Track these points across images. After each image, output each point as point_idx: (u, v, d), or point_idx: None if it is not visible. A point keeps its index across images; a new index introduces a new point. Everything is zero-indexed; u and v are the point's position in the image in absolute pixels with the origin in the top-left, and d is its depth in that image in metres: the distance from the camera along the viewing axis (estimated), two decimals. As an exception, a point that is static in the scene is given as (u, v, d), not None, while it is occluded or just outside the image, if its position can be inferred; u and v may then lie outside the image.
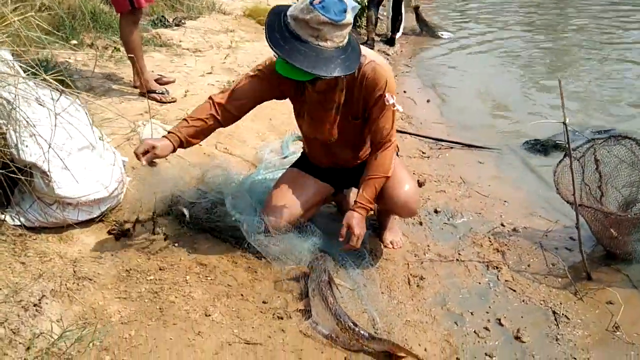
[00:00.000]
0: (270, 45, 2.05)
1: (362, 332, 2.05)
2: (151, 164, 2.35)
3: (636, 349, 2.23)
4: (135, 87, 4.24)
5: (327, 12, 2.00)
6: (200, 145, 3.56)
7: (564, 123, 2.49)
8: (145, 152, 2.31)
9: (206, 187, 2.97)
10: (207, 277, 2.37)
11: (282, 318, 2.19)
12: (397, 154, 2.73)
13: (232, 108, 2.41)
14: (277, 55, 2.09)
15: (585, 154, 2.88)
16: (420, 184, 3.50)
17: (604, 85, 5.99)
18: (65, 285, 2.19)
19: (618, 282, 2.67)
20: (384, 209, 2.74)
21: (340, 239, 2.40)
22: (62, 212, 2.52)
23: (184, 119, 2.42)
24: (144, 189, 2.99)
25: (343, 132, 2.49)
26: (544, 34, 8.84)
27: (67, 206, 2.53)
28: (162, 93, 4.12)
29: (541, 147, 4.26)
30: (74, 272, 2.28)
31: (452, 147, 4.25)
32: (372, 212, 2.61)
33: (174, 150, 2.38)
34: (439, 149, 4.22)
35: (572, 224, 3.16)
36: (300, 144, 3.72)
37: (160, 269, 2.37)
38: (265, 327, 2.13)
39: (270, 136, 3.86)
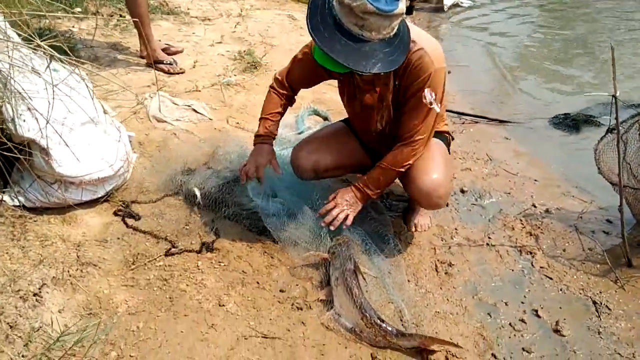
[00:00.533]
0: (308, 30, 1.83)
1: (389, 328, 1.87)
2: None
3: (687, 344, 2.04)
4: (141, 57, 4.02)
5: (377, 0, 1.76)
6: (211, 119, 3.39)
7: (614, 96, 2.24)
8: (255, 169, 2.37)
9: (218, 165, 2.77)
10: (220, 262, 2.20)
11: (301, 309, 2.02)
12: (448, 146, 2.51)
13: (295, 93, 2.48)
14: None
15: (630, 129, 2.63)
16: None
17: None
18: (68, 272, 2.04)
19: (661, 269, 2.46)
20: (410, 196, 2.52)
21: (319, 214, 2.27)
22: (65, 191, 2.35)
23: (265, 119, 2.43)
24: (152, 167, 2.82)
25: (386, 122, 2.30)
26: (571, 4, 8.40)
27: (70, 185, 2.35)
28: (170, 63, 3.90)
29: (571, 121, 4.00)
30: (78, 257, 2.13)
31: (476, 122, 4.00)
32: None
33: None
34: (463, 123, 3.98)
35: (607, 204, 2.96)
36: (316, 118, 3.52)
37: (170, 255, 2.20)
38: (283, 319, 1.96)
39: (285, 110, 3.64)
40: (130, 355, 1.74)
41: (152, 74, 3.67)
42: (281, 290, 2.10)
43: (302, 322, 1.96)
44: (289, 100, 2.47)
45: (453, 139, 2.61)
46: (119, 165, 2.45)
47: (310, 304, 2.04)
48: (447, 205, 2.87)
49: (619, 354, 2.00)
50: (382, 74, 2.04)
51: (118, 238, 2.27)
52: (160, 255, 2.19)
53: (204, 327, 1.88)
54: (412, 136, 2.17)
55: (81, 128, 2.37)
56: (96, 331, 1.76)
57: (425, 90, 2.07)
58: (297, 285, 2.14)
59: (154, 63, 3.82)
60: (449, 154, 2.51)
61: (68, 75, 2.22)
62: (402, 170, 2.23)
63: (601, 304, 2.24)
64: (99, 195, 2.46)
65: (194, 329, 1.87)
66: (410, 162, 2.22)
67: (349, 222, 2.23)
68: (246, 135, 3.22)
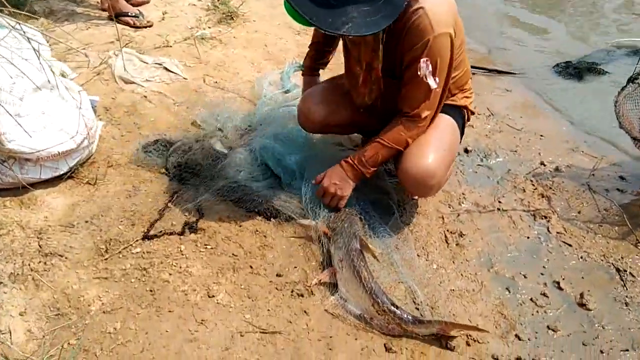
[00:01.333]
0: None
1: (404, 315, 1.66)
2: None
3: None
4: (102, 9, 3.59)
5: None
6: (185, 79, 3.04)
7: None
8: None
9: (198, 133, 2.46)
10: (206, 245, 1.93)
11: (302, 295, 1.78)
12: (464, 123, 2.18)
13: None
14: None
15: (652, 79, 2.39)
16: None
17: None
18: (29, 265, 1.76)
19: (682, 228, 2.29)
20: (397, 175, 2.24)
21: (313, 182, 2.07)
22: (20, 170, 2.03)
23: (308, 58, 2.41)
24: (122, 136, 2.49)
25: (384, 94, 1.98)
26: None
27: (26, 163, 2.03)
28: (135, 16, 3.47)
29: (574, 70, 3.74)
30: (40, 247, 1.84)
31: (474, 73, 3.71)
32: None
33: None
34: (460, 75, 3.69)
35: (619, 160, 2.78)
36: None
37: (148, 238, 1.93)
38: (283, 309, 1.73)
39: (267, 66, 3.29)
40: (107, 363, 1.49)
41: (115, 28, 3.26)
42: (278, 275, 1.85)
43: (305, 312, 1.73)
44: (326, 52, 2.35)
45: (473, 113, 2.24)
46: (82, 137, 2.12)
47: (312, 290, 1.80)
48: (452, 167, 2.63)
49: (651, 327, 1.83)
50: (371, 38, 1.75)
51: (86, 221, 1.97)
52: (137, 240, 1.91)
53: (192, 324, 1.63)
54: (419, 112, 1.87)
55: (33, 95, 2.03)
56: (63, 343, 1.50)
57: (423, 59, 1.75)
58: (295, 267, 1.89)
59: (116, 16, 3.40)
60: (461, 133, 2.16)
61: (9, 32, 1.85)
62: (405, 149, 1.95)
63: (625, 271, 2.07)
64: (62, 172, 2.14)
65: (180, 327, 1.62)
66: (414, 140, 1.94)
67: (340, 209, 2.00)
68: (227, 96, 2.89)
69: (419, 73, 1.77)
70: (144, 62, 3.07)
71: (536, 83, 3.68)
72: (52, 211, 2.01)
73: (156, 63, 3.08)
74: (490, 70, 3.74)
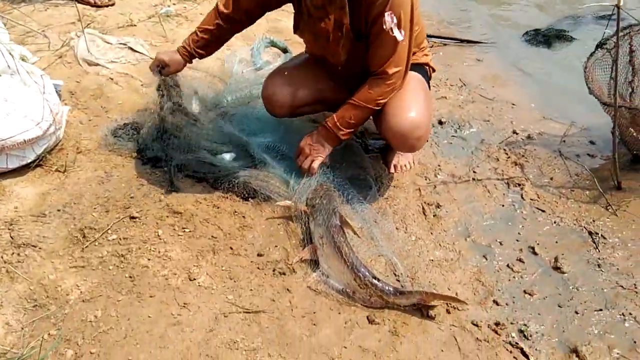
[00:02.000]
0: None
1: (386, 287, 1.67)
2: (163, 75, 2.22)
3: (685, 268, 1.97)
4: (60, -11, 3.42)
5: None
6: (152, 59, 2.94)
7: (617, 6, 1.99)
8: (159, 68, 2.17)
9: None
10: (184, 229, 1.91)
11: (284, 274, 1.78)
12: (428, 79, 2.25)
13: (238, 16, 2.08)
14: None
15: (620, 42, 2.42)
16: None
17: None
18: (2, 257, 1.72)
19: (650, 190, 2.37)
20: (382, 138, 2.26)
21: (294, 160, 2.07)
22: (-16, 160, 1.95)
23: (194, 32, 2.14)
24: (89, 120, 2.42)
25: (348, 55, 1.98)
26: None
27: (-10, 152, 1.96)
28: (96, -5, 3.34)
29: (543, 38, 3.78)
30: (12, 238, 1.79)
31: (445, 44, 3.72)
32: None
33: (185, 64, 2.22)
34: (431, 46, 3.67)
35: (588, 125, 2.84)
36: (274, 50, 3.14)
37: (123, 224, 1.89)
38: (266, 288, 1.73)
39: (237, 43, 3.21)
40: (90, 352, 1.47)
41: (75, 8, 3.12)
42: (259, 255, 1.85)
43: (287, 289, 1.73)
44: (229, 22, 2.08)
45: (434, 70, 2.34)
46: (48, 123, 2.05)
47: (294, 267, 1.81)
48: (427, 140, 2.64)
49: (621, 286, 1.90)
50: None
51: (59, 210, 1.92)
52: (114, 225, 1.87)
53: (174, 308, 1.62)
54: (385, 69, 1.90)
55: (-7, 81, 1.94)
56: (42, 334, 1.47)
57: (387, 13, 1.78)
58: (276, 246, 1.89)
59: (76, -5, 3.26)
60: (429, 89, 2.25)
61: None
62: (377, 108, 1.98)
63: (597, 234, 2.13)
64: (29, 161, 2.07)
65: (163, 311, 1.60)
66: (386, 98, 1.96)
67: (314, 168, 2.01)
68: (197, 75, 2.82)
69: (384, 27, 1.80)
70: (108, 43, 2.96)
71: (506, 52, 3.71)
72: (22, 201, 1.95)
73: (120, 43, 2.98)
74: (460, 41, 3.75)
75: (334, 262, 1.75)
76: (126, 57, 2.90)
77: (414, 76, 2.09)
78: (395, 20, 1.80)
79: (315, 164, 2.02)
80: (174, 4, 3.53)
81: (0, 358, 1.36)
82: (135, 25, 3.21)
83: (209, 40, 2.12)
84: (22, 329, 1.52)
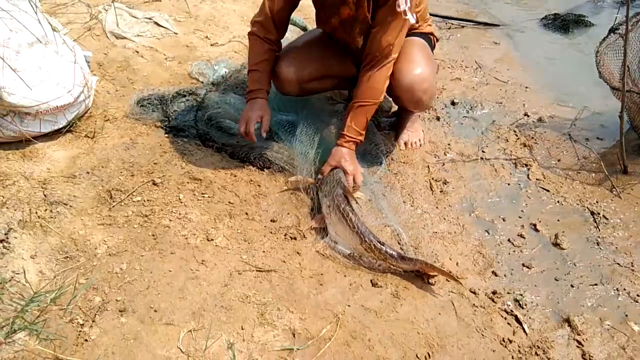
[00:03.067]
0: None
1: (390, 252, 1.78)
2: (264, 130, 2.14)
3: (683, 250, 2.03)
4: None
5: None
6: (176, 34, 3.06)
7: (628, -8, 2.03)
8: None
9: (191, 86, 2.52)
10: (203, 194, 2.03)
11: (295, 238, 1.90)
12: (432, 47, 2.36)
13: (281, 33, 2.16)
14: None
15: (633, 29, 2.46)
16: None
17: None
18: (36, 213, 1.85)
19: (656, 174, 2.42)
20: (393, 98, 2.37)
21: (320, 176, 2.09)
22: (20, 123, 2.09)
23: (253, 70, 2.14)
24: (116, 91, 2.55)
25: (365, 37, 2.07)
26: None
27: (25, 116, 2.10)
28: (123, -30, 3.44)
29: (561, 22, 3.79)
30: (45, 196, 1.93)
31: (463, 27, 3.75)
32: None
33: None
34: (449, 29, 3.72)
35: (600, 109, 2.87)
36: (294, 29, 3.22)
37: (147, 187, 2.02)
38: (277, 251, 1.85)
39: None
40: (116, 300, 1.61)
41: (104, -18, 3.24)
42: (272, 220, 1.97)
43: (297, 252, 1.85)
44: (275, 44, 2.15)
45: (438, 40, 2.45)
46: (78, 91, 2.18)
47: (304, 233, 1.93)
48: (439, 119, 2.72)
49: (618, 263, 1.98)
50: None
51: (88, 172, 2.06)
52: (138, 188, 2.00)
53: (193, 264, 1.75)
54: (387, 56, 1.99)
55: (29, 50, 2.07)
56: (76, 278, 1.62)
57: None
58: (288, 214, 2.01)
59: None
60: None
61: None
62: (382, 98, 2.10)
63: (598, 214, 2.20)
64: (61, 126, 2.21)
65: (182, 267, 1.74)
66: (385, 87, 2.08)
67: (359, 181, 2.12)
68: (217, 51, 2.92)
69: (398, 9, 1.86)
70: (134, 17, 3.08)
71: (523, 36, 3.73)
72: (54, 163, 2.09)
73: (146, 18, 3.09)
74: (478, 23, 3.77)
75: (341, 230, 1.86)
76: (151, 32, 3.02)
77: (417, 41, 2.22)
78: (409, 4, 1.86)
79: (359, 175, 2.11)
80: (197, -19, 3.62)
81: (34, 300, 1.50)
82: (160, 1, 3.32)
83: (270, 69, 2.17)
84: (54, 277, 1.67)
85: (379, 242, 1.80)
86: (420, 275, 1.82)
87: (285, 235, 1.91)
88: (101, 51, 2.80)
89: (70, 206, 1.91)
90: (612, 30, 2.42)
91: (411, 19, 1.90)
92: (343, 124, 2.10)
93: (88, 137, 2.24)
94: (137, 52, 2.86)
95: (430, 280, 1.81)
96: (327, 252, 1.87)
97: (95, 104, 2.41)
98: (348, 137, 2.08)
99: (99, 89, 2.52)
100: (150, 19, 3.09)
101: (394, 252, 1.79)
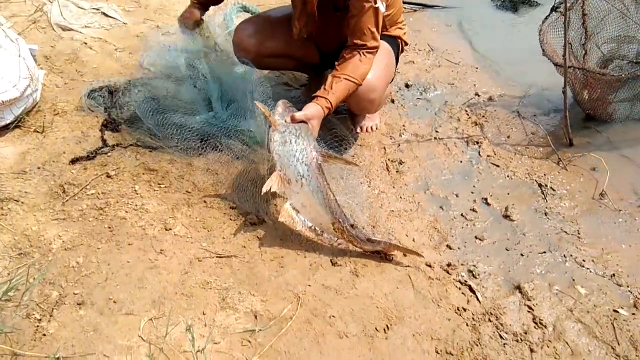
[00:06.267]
0: None
1: (360, 235, 1.81)
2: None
3: (624, 215, 2.15)
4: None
5: None
6: (125, 24, 3.00)
7: (564, -30, 2.11)
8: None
9: (144, 77, 2.48)
10: (160, 184, 2.02)
11: (255, 224, 1.92)
12: (398, 51, 2.37)
13: None
14: None
15: (572, 7, 2.56)
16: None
17: None
18: (-14, 211, 1.81)
19: (600, 146, 2.54)
20: None
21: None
22: (-37, 121, 2.03)
23: None
24: (65, 84, 2.49)
25: (325, 26, 2.08)
26: None
27: (-31, 113, 2.03)
28: (67, -40, 3.33)
29: (510, 3, 3.89)
30: (-6, 193, 1.88)
31: (415, 10, 3.81)
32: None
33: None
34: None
35: (548, 86, 2.97)
36: (246, 16, 3.19)
37: (101, 180, 2.00)
38: (238, 237, 1.86)
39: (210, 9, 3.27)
40: (73, 293, 1.60)
41: (47, -27, 3.14)
42: (231, 207, 1.98)
43: (258, 238, 1.87)
44: None
45: (407, 44, 2.45)
46: (24, 85, 2.12)
47: (264, 219, 1.94)
48: (393, 102, 2.77)
49: (565, 231, 2.08)
50: None
51: (38, 168, 2.02)
52: (92, 181, 1.97)
53: (152, 254, 1.75)
54: (369, 42, 2.00)
55: (-32, 43, 2.00)
56: (28, 271, 1.59)
57: None
58: (247, 200, 2.01)
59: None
60: (397, 60, 2.38)
61: None
62: (362, 84, 2.07)
63: (546, 186, 2.30)
64: (8, 122, 2.15)
65: (141, 257, 1.73)
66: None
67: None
68: (169, 39, 2.88)
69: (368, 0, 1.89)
70: (81, 8, 3.00)
71: (475, 17, 3.81)
72: (2, 160, 2.03)
73: (94, 8, 3.02)
74: (428, 6, 3.83)
75: (310, 201, 1.81)
76: (99, 22, 2.94)
77: (381, 46, 2.16)
78: None
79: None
80: (146, -30, 3.54)
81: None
82: (107, -9, 3.23)
83: None
84: (9, 274, 1.64)
85: (351, 226, 1.80)
86: (380, 254, 1.87)
87: (245, 221, 1.92)
88: (48, 44, 2.72)
89: (22, 202, 1.87)
90: (554, 9, 2.52)
91: (381, 7, 1.93)
92: (323, 87, 1.97)
93: (37, 131, 2.19)
94: (86, 43, 2.79)
95: (389, 257, 1.86)
96: (288, 220, 1.82)
97: (44, 98, 2.35)
98: (326, 101, 1.95)
99: (47, 82, 2.45)
100: (97, 9, 3.02)
101: (362, 236, 1.81)
